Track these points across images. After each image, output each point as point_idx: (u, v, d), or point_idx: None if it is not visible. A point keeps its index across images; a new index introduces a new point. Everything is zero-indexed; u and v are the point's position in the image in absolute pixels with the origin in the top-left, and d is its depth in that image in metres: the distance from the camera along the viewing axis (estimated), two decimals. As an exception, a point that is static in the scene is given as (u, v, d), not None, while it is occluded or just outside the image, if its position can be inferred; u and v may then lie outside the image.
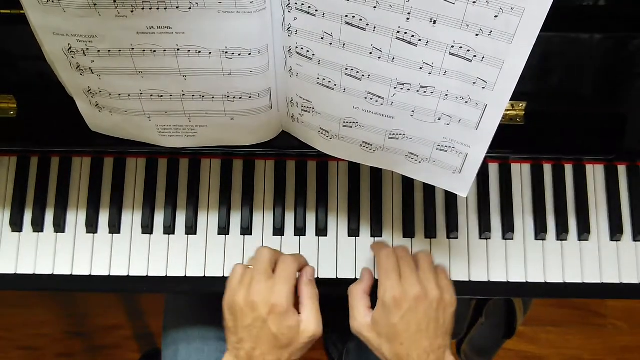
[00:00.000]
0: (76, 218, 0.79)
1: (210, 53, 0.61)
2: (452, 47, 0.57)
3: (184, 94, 0.66)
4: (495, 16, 0.53)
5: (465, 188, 0.68)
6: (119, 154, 0.80)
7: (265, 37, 0.60)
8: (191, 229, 0.78)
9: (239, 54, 0.61)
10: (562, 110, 0.74)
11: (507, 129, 0.72)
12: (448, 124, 0.63)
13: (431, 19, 0.55)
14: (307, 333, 0.67)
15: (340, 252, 0.78)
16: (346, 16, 0.56)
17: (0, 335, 1.50)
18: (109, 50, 0.61)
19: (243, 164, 0.80)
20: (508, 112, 0.74)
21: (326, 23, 0.58)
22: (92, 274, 0.77)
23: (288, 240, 0.78)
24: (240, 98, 0.66)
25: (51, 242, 0.78)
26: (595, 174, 0.80)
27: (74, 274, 0.77)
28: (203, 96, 0.66)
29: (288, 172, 0.80)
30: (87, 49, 0.61)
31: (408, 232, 0.79)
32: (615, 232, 0.78)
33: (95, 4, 0.57)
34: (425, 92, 0.61)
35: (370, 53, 0.59)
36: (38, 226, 0.78)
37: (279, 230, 0.79)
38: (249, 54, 0.61)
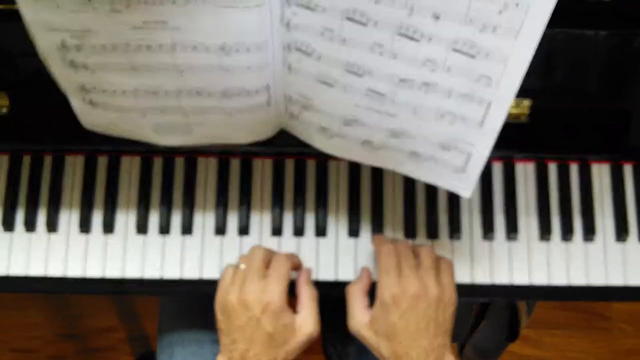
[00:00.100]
0: (69, 218, 0.78)
1: (207, 49, 0.60)
2: (456, 43, 0.56)
3: (180, 91, 0.65)
4: (500, 12, 0.53)
5: (469, 188, 0.67)
6: (113, 153, 0.79)
7: (264, 33, 0.60)
8: (187, 229, 0.77)
9: (237, 50, 0.60)
10: (567, 108, 0.74)
11: (511, 128, 0.71)
12: (451, 122, 0.62)
13: (434, 14, 0.55)
14: (305, 332, 0.67)
15: (340, 253, 0.77)
16: (347, 11, 0.56)
17: (-7, 337, 1.49)
18: (103, 46, 0.60)
19: (240, 162, 0.79)
20: (512, 111, 0.73)
21: (326, 18, 0.57)
22: (86, 275, 0.76)
23: (286, 241, 0.78)
24: (238, 95, 0.65)
25: (44, 242, 0.77)
26: (601, 173, 0.79)
27: (67, 275, 0.76)
28: (199, 93, 0.65)
29: (287, 171, 0.79)
30: (81, 44, 0.60)
31: (409, 233, 0.78)
32: (621, 232, 0.77)
33: (88, -2, 0.56)
34: (427, 89, 0.60)
35: (372, 49, 0.58)
36: (30, 226, 0.77)
37: (277, 231, 0.78)
38: (247, 50, 0.60)
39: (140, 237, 0.77)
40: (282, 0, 0.57)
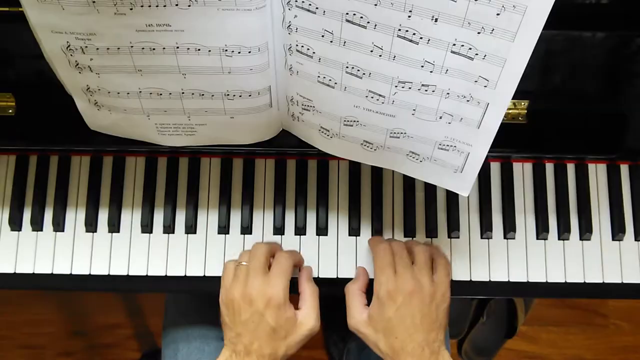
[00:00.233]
0: (75, 217, 0.79)
1: (209, 51, 0.61)
2: (454, 45, 0.56)
3: (183, 92, 0.65)
4: (497, 14, 0.53)
5: (467, 187, 0.67)
6: (118, 153, 0.80)
7: (265, 35, 0.60)
8: (191, 228, 0.78)
9: (239, 52, 0.61)
10: (564, 109, 0.74)
11: (509, 128, 0.72)
12: (449, 123, 0.63)
13: (432, 17, 0.55)
14: (306, 326, 0.68)
15: (340, 252, 0.78)
16: (347, 14, 0.56)
17: (2, 334, 1.50)
18: (108, 48, 0.61)
19: (243, 162, 0.80)
20: (510, 111, 0.73)
21: (327, 21, 0.57)
22: (92, 273, 0.77)
23: (288, 240, 0.78)
24: (240, 96, 0.66)
25: (50, 241, 0.78)
26: (597, 173, 0.79)
27: (73, 273, 0.77)
28: (203, 94, 0.66)
29: (288, 171, 0.80)
30: (86, 46, 0.61)
31: (409, 232, 0.78)
32: (618, 231, 0.78)
33: (93, 1, 0.56)
34: (426, 90, 0.60)
35: (371, 51, 0.58)
36: (37, 225, 0.78)
37: (279, 230, 0.78)
38: (249, 52, 0.61)
39: (145, 235, 0.78)
40: (283, 2, 0.57)
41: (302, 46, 0.60)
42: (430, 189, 0.79)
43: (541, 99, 0.73)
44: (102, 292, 1.38)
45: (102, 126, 0.72)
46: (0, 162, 0.80)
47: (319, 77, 0.62)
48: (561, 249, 0.78)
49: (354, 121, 0.66)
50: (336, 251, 0.78)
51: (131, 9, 0.57)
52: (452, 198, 0.79)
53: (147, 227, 0.78)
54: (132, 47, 0.61)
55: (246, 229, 0.78)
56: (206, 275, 0.77)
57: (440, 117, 0.62)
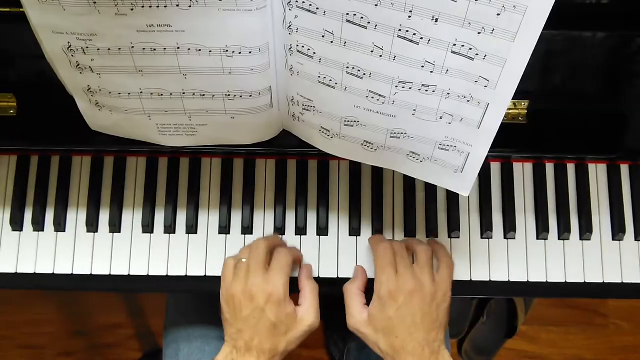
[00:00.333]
0: (76, 217, 0.79)
1: (210, 51, 0.61)
2: (454, 45, 0.56)
3: (184, 93, 0.66)
4: (498, 14, 0.53)
5: (467, 187, 0.67)
6: (119, 153, 0.80)
7: (266, 36, 0.60)
8: (192, 229, 0.78)
9: (240, 53, 0.61)
10: (564, 109, 0.74)
11: (509, 128, 0.72)
12: (450, 123, 0.63)
13: (433, 17, 0.55)
14: (306, 322, 0.69)
15: (341, 252, 0.78)
16: (347, 14, 0.56)
17: (2, 334, 1.50)
18: (109, 49, 0.61)
19: (244, 163, 0.80)
20: (510, 111, 0.74)
21: (327, 21, 0.57)
22: (93, 273, 0.77)
23: (289, 240, 0.78)
24: (241, 97, 0.66)
25: (51, 241, 0.78)
26: (597, 173, 0.79)
27: (74, 273, 0.77)
28: (203, 95, 0.66)
29: (289, 171, 0.80)
30: (87, 47, 0.61)
31: (409, 232, 0.78)
32: (618, 231, 0.78)
33: (94, 2, 0.56)
34: (427, 90, 0.60)
35: (372, 51, 0.58)
36: (38, 225, 0.78)
37: (279, 230, 0.79)
38: (250, 53, 0.61)
39: (146, 236, 0.78)
40: (283, 3, 0.57)
41: (303, 46, 0.60)
42: (431, 189, 0.79)
43: (541, 99, 0.73)
44: (103, 292, 1.38)
45: (103, 126, 0.73)
46: (2, 162, 0.80)
47: (319, 77, 0.63)
48: (561, 249, 0.78)
49: (355, 121, 0.66)
50: (337, 251, 0.78)
51: (132, 10, 0.57)
52: (452, 198, 0.79)
53: (148, 227, 0.78)
54: (133, 47, 0.61)
55: (247, 229, 0.78)
56: (207, 275, 0.77)
57: (441, 118, 0.63)
